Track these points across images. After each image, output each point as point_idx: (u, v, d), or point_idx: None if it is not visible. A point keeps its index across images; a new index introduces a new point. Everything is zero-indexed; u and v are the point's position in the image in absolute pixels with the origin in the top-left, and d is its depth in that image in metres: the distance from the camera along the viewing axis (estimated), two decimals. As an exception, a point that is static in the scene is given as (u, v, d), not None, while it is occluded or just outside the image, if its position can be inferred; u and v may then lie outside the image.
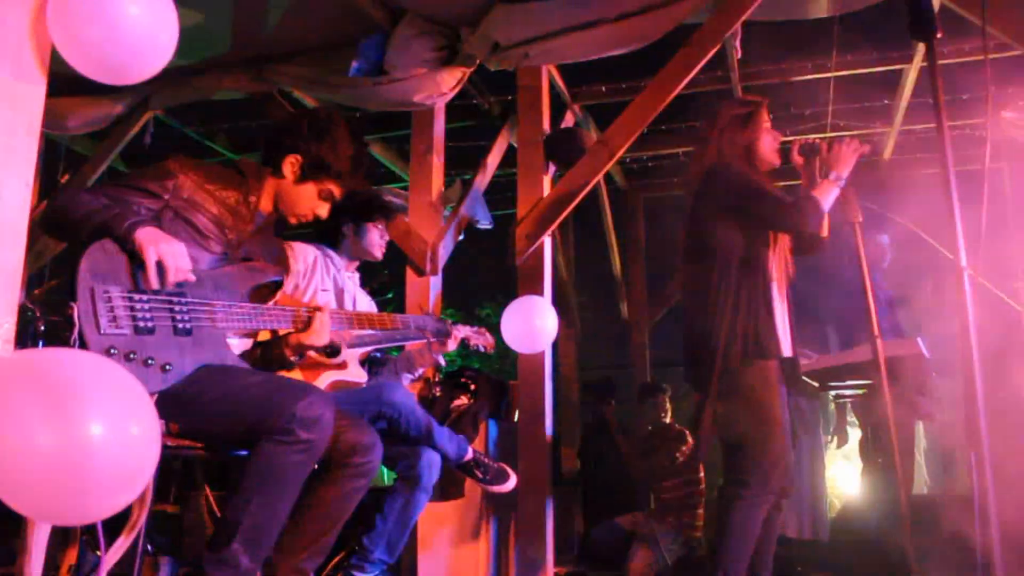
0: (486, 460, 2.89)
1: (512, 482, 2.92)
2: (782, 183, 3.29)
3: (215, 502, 2.72)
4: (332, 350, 2.51)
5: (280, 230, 2.49)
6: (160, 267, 1.86)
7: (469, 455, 2.84)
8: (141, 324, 1.85)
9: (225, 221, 2.15)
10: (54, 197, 2.04)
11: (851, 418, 4.68)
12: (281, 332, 2.26)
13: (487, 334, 3.04)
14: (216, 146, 5.52)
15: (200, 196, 2.11)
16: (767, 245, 2.80)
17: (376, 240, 3.07)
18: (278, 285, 2.30)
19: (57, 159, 4.84)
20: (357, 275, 3.17)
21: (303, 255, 2.91)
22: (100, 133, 4.57)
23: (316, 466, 2.14)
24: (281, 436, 1.87)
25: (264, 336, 2.28)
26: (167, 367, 1.86)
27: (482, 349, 3.01)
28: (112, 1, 1.63)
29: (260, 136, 4.67)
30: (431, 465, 2.66)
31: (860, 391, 4.02)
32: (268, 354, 2.28)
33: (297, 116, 2.42)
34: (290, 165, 2.26)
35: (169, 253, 1.87)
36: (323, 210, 2.33)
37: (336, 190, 2.31)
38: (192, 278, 1.94)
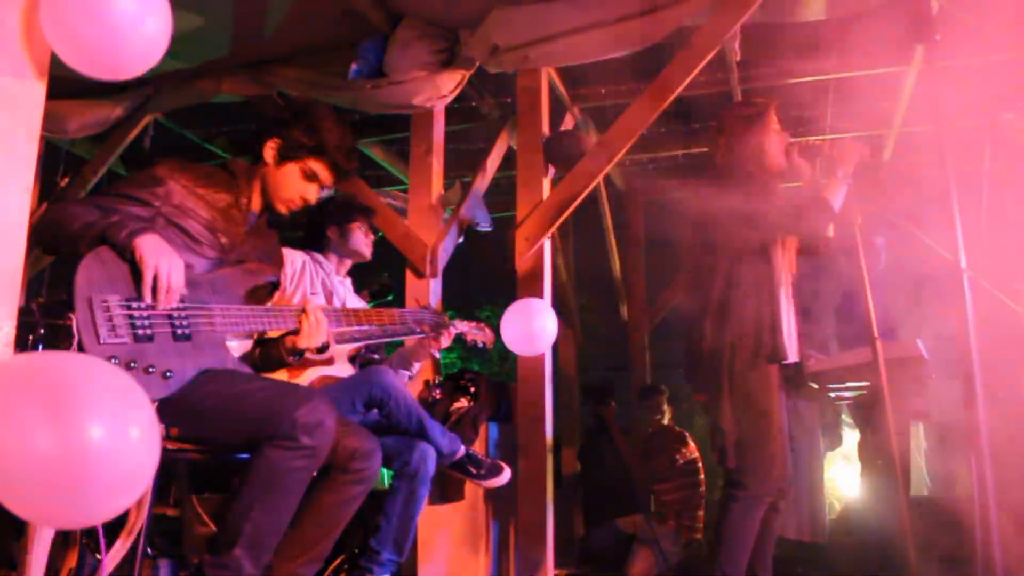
0: (479, 456, 2.90)
1: (506, 475, 2.93)
2: (783, 186, 3.29)
3: (215, 504, 2.72)
4: (322, 346, 2.51)
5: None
6: (156, 282, 1.86)
7: (461, 451, 2.84)
8: (140, 332, 1.84)
9: (217, 225, 2.14)
10: (49, 206, 2.02)
11: (847, 419, 4.67)
12: (280, 333, 2.26)
13: (486, 329, 3.03)
14: (216, 149, 5.52)
15: (191, 202, 2.10)
16: (775, 247, 2.80)
17: (361, 239, 3.13)
18: (275, 286, 2.29)
19: (57, 162, 4.83)
20: (348, 280, 3.19)
21: (290, 260, 2.93)
22: (100, 136, 4.57)
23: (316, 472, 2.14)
24: (283, 442, 1.87)
25: (271, 334, 2.28)
26: (168, 374, 1.86)
27: (480, 345, 3.01)
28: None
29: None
30: (425, 457, 2.65)
31: (859, 393, 4.02)
32: (267, 354, 2.29)
33: (277, 106, 2.42)
34: (270, 150, 2.26)
35: (166, 271, 1.86)
36: (310, 193, 2.28)
37: (320, 170, 2.27)
38: (184, 293, 1.93)
